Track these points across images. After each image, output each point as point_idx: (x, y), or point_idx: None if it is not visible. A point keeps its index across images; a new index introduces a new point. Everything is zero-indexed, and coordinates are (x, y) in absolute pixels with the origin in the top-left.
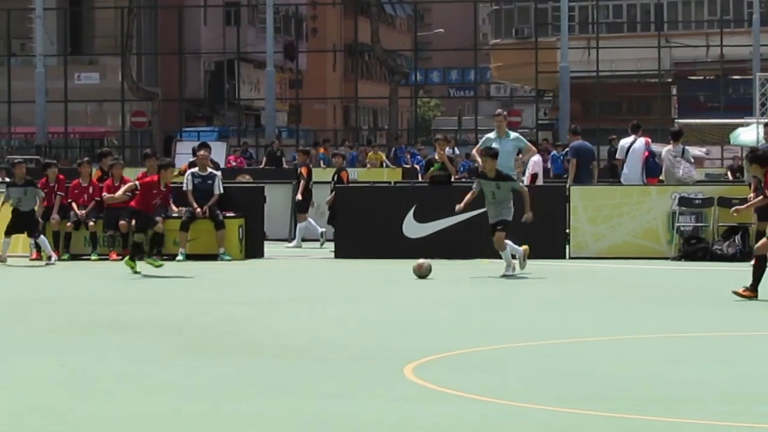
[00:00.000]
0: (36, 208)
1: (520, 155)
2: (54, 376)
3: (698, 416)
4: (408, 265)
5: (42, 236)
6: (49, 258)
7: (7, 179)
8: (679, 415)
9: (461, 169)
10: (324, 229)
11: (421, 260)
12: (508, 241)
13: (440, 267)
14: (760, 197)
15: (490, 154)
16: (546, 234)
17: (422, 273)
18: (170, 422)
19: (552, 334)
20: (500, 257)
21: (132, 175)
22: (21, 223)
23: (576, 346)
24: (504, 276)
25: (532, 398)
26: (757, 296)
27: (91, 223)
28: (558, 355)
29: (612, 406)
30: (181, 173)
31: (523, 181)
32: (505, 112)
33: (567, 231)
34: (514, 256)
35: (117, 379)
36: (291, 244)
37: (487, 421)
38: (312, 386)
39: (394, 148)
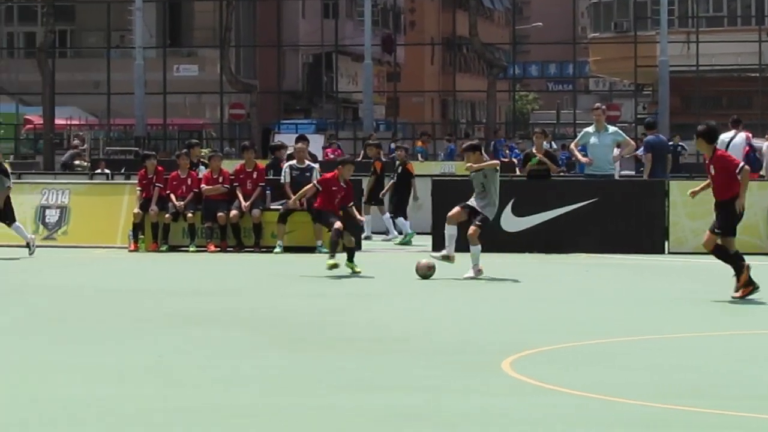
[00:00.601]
0: None
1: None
2: (150, 366)
3: None
4: (507, 258)
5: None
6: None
7: (107, 170)
8: None
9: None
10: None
11: (424, 260)
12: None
13: (538, 261)
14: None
15: (471, 148)
16: (645, 229)
17: (423, 273)
18: (263, 414)
19: (650, 330)
20: (599, 251)
21: (230, 167)
22: None
23: (674, 342)
24: (466, 278)
25: (631, 393)
26: (756, 286)
27: (189, 215)
28: (656, 351)
29: (710, 402)
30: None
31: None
32: (603, 106)
33: (666, 226)
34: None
35: (212, 370)
36: (387, 237)
37: (586, 416)
38: (408, 379)
39: (492, 142)
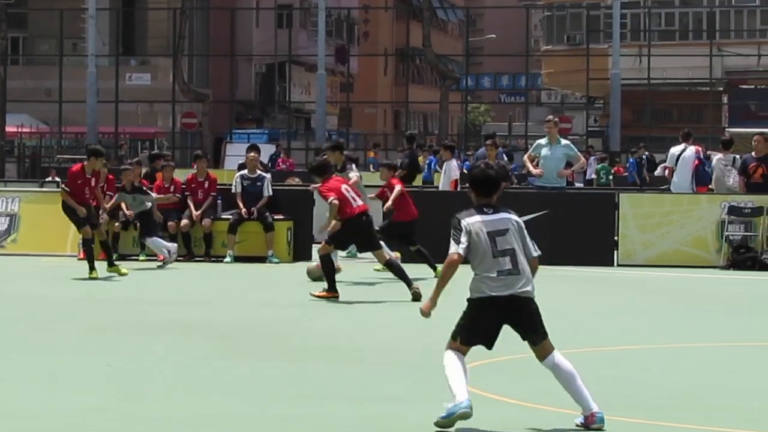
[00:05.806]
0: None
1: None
2: (101, 375)
3: (748, 426)
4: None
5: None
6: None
7: (57, 179)
8: (728, 424)
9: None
10: None
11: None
12: None
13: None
14: None
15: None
16: (594, 241)
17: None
18: (218, 423)
19: (599, 342)
20: (549, 263)
21: (182, 176)
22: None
23: (624, 354)
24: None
25: (578, 405)
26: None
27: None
28: (605, 362)
29: (660, 414)
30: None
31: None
32: (556, 119)
33: (615, 238)
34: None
35: (163, 379)
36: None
37: (531, 427)
38: (359, 390)
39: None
